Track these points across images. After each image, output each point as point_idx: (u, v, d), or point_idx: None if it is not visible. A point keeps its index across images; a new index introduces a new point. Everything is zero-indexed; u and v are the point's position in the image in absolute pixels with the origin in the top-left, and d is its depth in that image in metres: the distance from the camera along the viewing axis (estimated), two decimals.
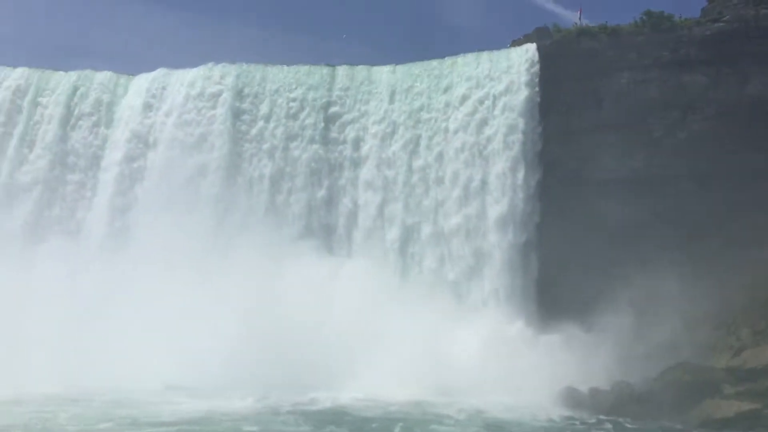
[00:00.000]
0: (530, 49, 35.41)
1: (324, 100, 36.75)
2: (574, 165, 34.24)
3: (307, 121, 36.31)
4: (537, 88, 34.50)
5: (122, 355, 25.64)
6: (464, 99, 35.05)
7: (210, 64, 38.78)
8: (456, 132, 34.64)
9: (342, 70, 37.82)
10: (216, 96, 37.28)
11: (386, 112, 35.84)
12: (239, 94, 37.26)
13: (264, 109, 36.90)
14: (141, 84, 38.68)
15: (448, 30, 72.60)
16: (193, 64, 39.42)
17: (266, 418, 22.56)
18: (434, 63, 36.73)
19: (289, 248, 32.30)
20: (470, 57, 36.14)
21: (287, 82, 37.49)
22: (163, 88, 38.12)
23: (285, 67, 38.39)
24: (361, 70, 37.72)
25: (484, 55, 35.91)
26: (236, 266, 30.05)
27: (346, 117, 36.30)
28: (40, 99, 38.54)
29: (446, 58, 36.70)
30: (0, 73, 39.47)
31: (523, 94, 34.39)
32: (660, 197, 32.82)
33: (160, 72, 39.09)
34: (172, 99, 37.63)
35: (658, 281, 27.92)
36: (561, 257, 31.92)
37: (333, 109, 36.52)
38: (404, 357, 26.51)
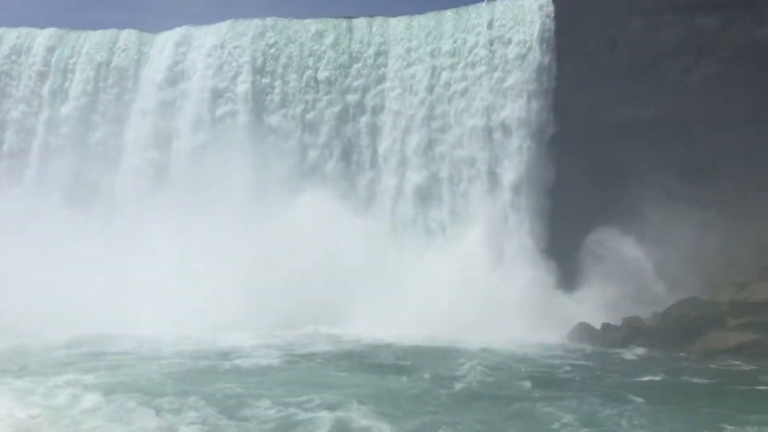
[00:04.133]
0: None
1: (342, 53, 37.64)
2: (589, 111, 34.93)
3: (325, 74, 37.28)
4: (552, 35, 35.05)
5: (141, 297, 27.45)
6: (479, 48, 35.72)
7: (230, 20, 39.78)
8: (477, 79, 35.41)
9: (359, 22, 38.58)
10: (238, 53, 38.33)
11: (403, 65, 36.67)
12: (260, 51, 38.27)
13: (284, 63, 37.92)
14: (164, 43, 39.76)
15: None
16: (213, 19, 40.62)
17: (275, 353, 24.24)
18: (448, 13, 37.36)
19: (303, 191, 33.84)
20: (484, 6, 36.70)
21: (304, 36, 38.37)
22: (186, 49, 39.17)
23: (303, 20, 39.31)
24: (378, 22, 38.47)
25: (498, 3, 36.46)
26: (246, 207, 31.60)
27: (364, 71, 37.21)
28: (68, 60, 39.77)
29: (461, 8, 37.30)
30: (29, 35, 40.68)
31: (538, 41, 34.99)
32: (674, 142, 33.41)
33: (182, 30, 40.13)
34: (194, 58, 38.74)
35: (669, 222, 29.02)
36: (575, 199, 32.98)
37: (351, 62, 37.43)
38: (413, 295, 28.04)
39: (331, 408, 16.56)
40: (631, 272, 29.04)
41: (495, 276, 29.89)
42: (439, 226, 34.49)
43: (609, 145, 33.44)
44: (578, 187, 33.06)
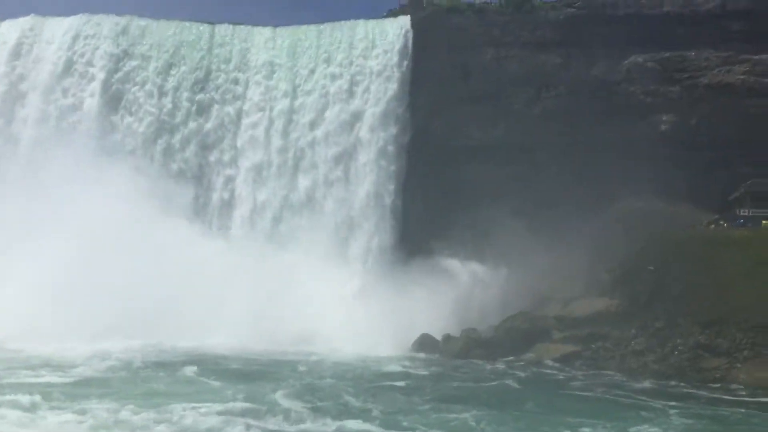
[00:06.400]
0: (405, 21, 37.38)
1: (201, 58, 37.27)
2: (442, 132, 36.84)
3: (182, 80, 36.90)
4: (410, 58, 36.63)
5: None
6: (340, 66, 36.64)
7: (85, 14, 38.24)
8: (335, 94, 36.29)
9: (221, 29, 38.31)
10: (91, 50, 37.01)
11: (265, 77, 36.92)
12: (115, 49, 37.12)
13: (138, 64, 37.03)
14: (8, 31, 37.63)
15: None
16: (66, 12, 38.87)
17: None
18: (312, 28, 38.00)
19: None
20: (347, 24, 37.70)
21: (164, 38, 37.62)
22: (33, 39, 37.27)
23: (163, 21, 38.47)
24: (241, 30, 38.39)
25: (361, 24, 37.60)
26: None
27: (222, 80, 37.11)
28: None
29: (324, 24, 38.02)
30: None
31: (397, 63, 36.43)
32: (517, 164, 35.76)
33: (30, 19, 38.09)
34: (41, 50, 37.00)
35: (508, 239, 31.04)
36: (426, 213, 34.72)
37: (209, 68, 37.18)
38: (258, 309, 28.33)
39: None
40: (470, 288, 30.85)
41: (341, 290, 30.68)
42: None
43: (459, 165, 35.54)
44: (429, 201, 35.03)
